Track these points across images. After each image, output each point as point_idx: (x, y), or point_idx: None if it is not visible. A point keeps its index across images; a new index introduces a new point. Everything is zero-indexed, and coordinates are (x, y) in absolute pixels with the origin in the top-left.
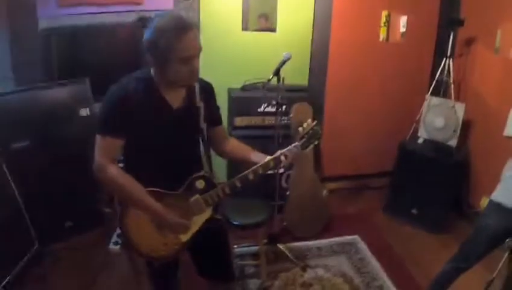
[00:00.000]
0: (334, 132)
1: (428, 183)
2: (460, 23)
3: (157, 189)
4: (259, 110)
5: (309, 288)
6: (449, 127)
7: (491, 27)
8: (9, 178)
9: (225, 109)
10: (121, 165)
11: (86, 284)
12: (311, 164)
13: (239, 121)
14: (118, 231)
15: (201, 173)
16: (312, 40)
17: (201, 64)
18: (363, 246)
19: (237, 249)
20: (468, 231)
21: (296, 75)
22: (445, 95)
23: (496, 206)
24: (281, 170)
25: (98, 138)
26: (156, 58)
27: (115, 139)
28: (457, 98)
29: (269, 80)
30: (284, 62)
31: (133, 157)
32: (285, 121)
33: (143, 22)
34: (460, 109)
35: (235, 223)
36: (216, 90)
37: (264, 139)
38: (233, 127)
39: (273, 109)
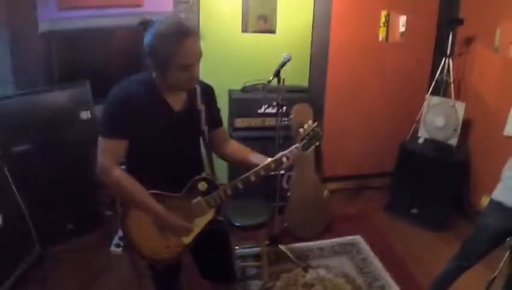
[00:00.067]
0: (334, 132)
1: (428, 183)
2: (460, 22)
3: (159, 191)
4: (259, 111)
5: (311, 289)
6: (449, 127)
7: (491, 26)
8: (11, 181)
9: (225, 111)
10: (122, 167)
11: (86, 286)
12: (312, 165)
13: (239, 122)
14: (119, 233)
15: (203, 175)
16: (312, 41)
17: (202, 66)
18: (364, 246)
19: (238, 250)
20: (469, 230)
21: (296, 76)
22: (445, 94)
23: (497, 205)
24: (282, 171)
25: (100, 140)
26: (156, 63)
27: (117, 140)
28: (457, 97)
29: (269, 81)
30: (284, 63)
31: (134, 159)
32: (286, 122)
33: (145, 25)
34: (460, 108)
35: (236, 224)
36: (216, 91)
37: (264, 141)
38: (233, 128)
39: (274, 110)
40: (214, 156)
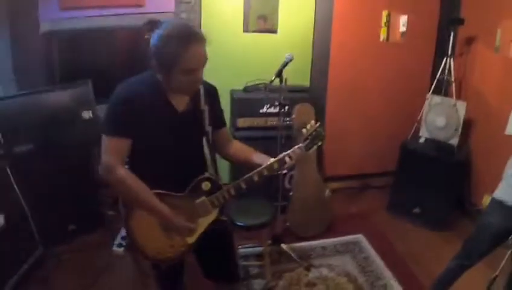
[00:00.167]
0: (335, 132)
1: (430, 182)
2: (461, 22)
3: (163, 191)
4: (261, 111)
5: (313, 288)
6: (450, 126)
7: (491, 26)
8: (13, 181)
9: (227, 110)
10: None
11: (88, 286)
12: (314, 165)
13: (241, 122)
14: (122, 233)
15: (207, 175)
16: (313, 40)
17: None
18: (366, 245)
19: (241, 249)
20: (471, 229)
21: (298, 75)
22: (446, 94)
23: (498, 204)
24: (284, 171)
25: (104, 139)
26: (160, 65)
27: (122, 139)
28: (458, 97)
29: (272, 81)
30: (286, 63)
31: (138, 159)
32: (288, 122)
33: (152, 25)
34: (461, 107)
35: (239, 224)
36: (218, 91)
37: (266, 140)
38: (235, 128)
39: (276, 110)
40: (217, 156)
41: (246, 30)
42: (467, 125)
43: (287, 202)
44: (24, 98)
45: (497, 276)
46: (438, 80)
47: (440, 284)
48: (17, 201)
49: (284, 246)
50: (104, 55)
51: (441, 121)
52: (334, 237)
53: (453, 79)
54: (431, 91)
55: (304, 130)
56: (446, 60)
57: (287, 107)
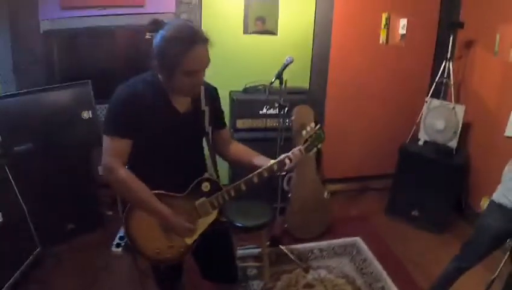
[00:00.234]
0: (335, 134)
1: (429, 185)
2: (460, 26)
3: (163, 191)
4: (260, 112)
5: (311, 289)
6: (449, 129)
7: (491, 30)
8: (12, 181)
9: (227, 112)
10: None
11: (87, 286)
12: (313, 167)
13: (241, 123)
14: (120, 233)
15: (207, 176)
16: (313, 42)
17: None
18: (364, 247)
19: (240, 251)
20: (469, 232)
21: (297, 77)
22: (445, 97)
23: (497, 207)
24: (283, 173)
25: (105, 139)
26: (162, 66)
27: (123, 140)
28: (457, 100)
29: (271, 83)
30: (286, 66)
31: (138, 159)
32: (287, 124)
33: (156, 25)
34: (460, 110)
35: (237, 225)
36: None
37: (265, 142)
38: (235, 129)
39: (275, 112)
40: (217, 157)
41: (245, 32)
42: (466, 128)
43: (285, 203)
44: (24, 97)
45: (495, 279)
46: (437, 83)
47: (438, 287)
48: (15, 200)
49: (282, 247)
50: (104, 55)
51: (440, 124)
52: (333, 238)
53: (452, 82)
54: (430, 94)
55: (304, 132)
56: (445, 63)
57: (286, 109)
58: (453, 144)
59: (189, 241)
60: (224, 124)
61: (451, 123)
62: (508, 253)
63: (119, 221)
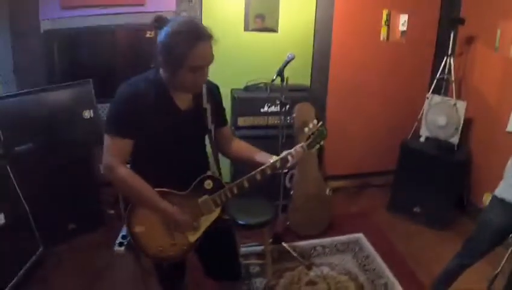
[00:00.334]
0: (336, 131)
1: (430, 181)
2: (461, 22)
3: (165, 189)
4: (262, 110)
5: (314, 286)
6: (451, 125)
7: (491, 26)
8: (14, 180)
9: (228, 110)
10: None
11: (89, 285)
12: (315, 164)
13: (242, 121)
14: (123, 232)
15: (209, 174)
16: (314, 39)
17: None
18: (367, 244)
19: (242, 248)
20: (471, 228)
21: (298, 74)
22: (446, 93)
23: (500, 202)
24: (285, 170)
25: (106, 138)
26: (167, 62)
27: (124, 139)
28: (459, 96)
29: (273, 80)
30: (287, 62)
31: (140, 158)
32: (288, 121)
33: (160, 22)
34: (461, 106)
35: (240, 222)
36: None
37: (266, 139)
38: (236, 127)
39: (276, 109)
40: (219, 154)
41: (246, 29)
42: (467, 124)
43: (287, 201)
44: (25, 97)
45: (497, 274)
46: (438, 79)
47: (440, 283)
48: (17, 200)
49: (285, 244)
50: (104, 54)
51: (441, 120)
52: (335, 235)
53: (453, 78)
54: (431, 90)
55: (306, 129)
56: (446, 59)
57: (287, 106)
58: (455, 140)
59: (192, 239)
60: (226, 121)
61: (452, 119)
62: (511, 249)
63: (121, 220)
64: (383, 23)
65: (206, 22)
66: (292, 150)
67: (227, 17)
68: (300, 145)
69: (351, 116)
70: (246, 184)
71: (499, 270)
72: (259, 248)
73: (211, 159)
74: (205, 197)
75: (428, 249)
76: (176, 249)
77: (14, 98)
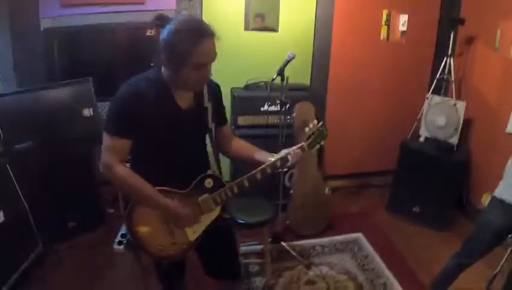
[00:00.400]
0: (336, 130)
1: (430, 181)
2: (461, 22)
3: (166, 188)
4: (262, 109)
5: (313, 286)
6: (450, 125)
7: (491, 26)
8: (13, 178)
9: (228, 108)
10: (127, 164)
11: (89, 284)
12: (314, 163)
13: (242, 120)
14: (122, 230)
15: (210, 172)
16: (314, 39)
17: None
18: (366, 243)
19: (242, 247)
20: (470, 228)
21: (298, 74)
22: (446, 93)
23: (499, 203)
24: (285, 169)
25: (105, 136)
26: (170, 60)
27: (122, 139)
28: (458, 97)
29: (273, 79)
30: (288, 62)
31: (141, 157)
32: (288, 120)
33: (162, 21)
34: (461, 107)
35: (240, 221)
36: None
37: (266, 138)
38: (236, 126)
39: (276, 108)
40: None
41: (246, 28)
42: (467, 124)
43: (287, 200)
44: (24, 95)
45: (496, 274)
46: (438, 79)
47: (439, 283)
48: (17, 198)
49: (284, 244)
50: (104, 53)
51: (441, 120)
52: (334, 235)
53: (453, 78)
54: (431, 90)
55: (307, 129)
56: (446, 59)
57: (287, 106)
58: (454, 140)
59: (191, 238)
60: (226, 120)
61: (452, 119)
62: (510, 249)
63: (121, 218)
64: (383, 23)
65: (206, 20)
66: (292, 149)
67: (227, 16)
68: (300, 144)
69: (351, 116)
70: (247, 183)
71: (498, 270)
72: (259, 247)
73: (212, 158)
74: (205, 195)
75: (427, 249)
76: (176, 248)
77: (14, 96)
